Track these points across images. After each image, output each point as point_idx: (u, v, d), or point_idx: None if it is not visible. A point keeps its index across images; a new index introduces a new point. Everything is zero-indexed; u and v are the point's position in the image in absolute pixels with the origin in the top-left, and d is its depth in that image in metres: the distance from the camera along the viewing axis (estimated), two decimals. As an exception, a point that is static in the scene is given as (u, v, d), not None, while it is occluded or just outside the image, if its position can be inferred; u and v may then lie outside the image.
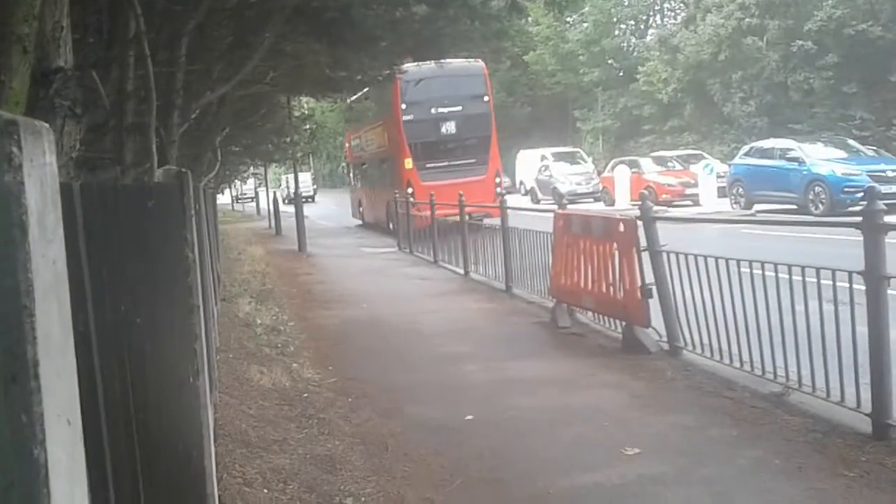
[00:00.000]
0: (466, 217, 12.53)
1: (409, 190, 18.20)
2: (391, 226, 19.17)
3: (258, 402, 5.68)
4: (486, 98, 19.57)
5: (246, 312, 9.30)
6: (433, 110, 18.80)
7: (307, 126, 19.07)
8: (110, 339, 1.47)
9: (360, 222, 25.42)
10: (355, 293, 11.53)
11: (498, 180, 19.16)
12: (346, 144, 25.12)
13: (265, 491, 4.00)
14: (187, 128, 4.84)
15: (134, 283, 1.77)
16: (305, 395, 5.98)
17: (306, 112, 20.61)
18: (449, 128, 19.01)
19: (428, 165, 18.72)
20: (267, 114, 10.51)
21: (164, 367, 1.99)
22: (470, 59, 17.24)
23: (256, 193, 42.24)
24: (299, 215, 18.78)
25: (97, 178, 3.13)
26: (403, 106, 18.33)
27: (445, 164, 18.70)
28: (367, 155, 22.56)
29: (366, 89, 16.83)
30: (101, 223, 1.54)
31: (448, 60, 13.34)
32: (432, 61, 13.30)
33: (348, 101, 18.35)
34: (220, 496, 3.25)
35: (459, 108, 19.04)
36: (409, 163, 18.76)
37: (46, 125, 1.02)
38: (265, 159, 20.59)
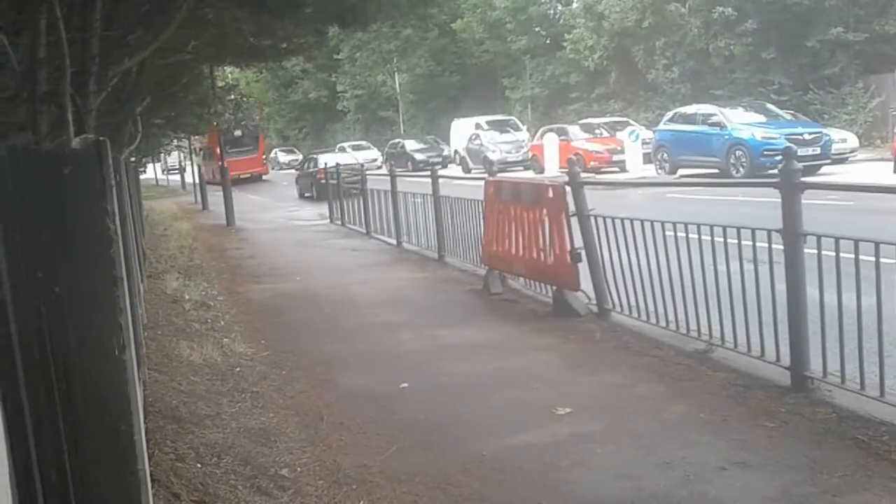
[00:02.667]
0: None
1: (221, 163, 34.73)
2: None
3: (189, 377, 5.59)
4: (255, 122, 39.48)
5: (174, 289, 9.10)
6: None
7: (231, 96, 18.91)
8: (28, 305, 1.42)
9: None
10: (287, 266, 11.41)
11: (264, 157, 40.57)
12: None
13: (199, 465, 3.95)
14: (106, 97, 4.65)
15: (51, 249, 1.71)
16: (238, 369, 5.91)
17: (231, 82, 20.43)
18: (238, 134, 35.52)
19: (230, 150, 33.29)
20: (189, 84, 10.17)
21: (88, 339, 1.94)
22: None
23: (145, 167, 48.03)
24: (226, 189, 18.65)
25: (7, 142, 2.99)
26: (215, 123, 29.01)
27: (238, 150, 36.20)
28: (203, 145, 38.70)
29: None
30: (12, 186, 1.47)
31: None
32: None
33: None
34: (152, 471, 3.19)
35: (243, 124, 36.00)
36: (219, 150, 34.40)
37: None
38: (189, 132, 20.19)
